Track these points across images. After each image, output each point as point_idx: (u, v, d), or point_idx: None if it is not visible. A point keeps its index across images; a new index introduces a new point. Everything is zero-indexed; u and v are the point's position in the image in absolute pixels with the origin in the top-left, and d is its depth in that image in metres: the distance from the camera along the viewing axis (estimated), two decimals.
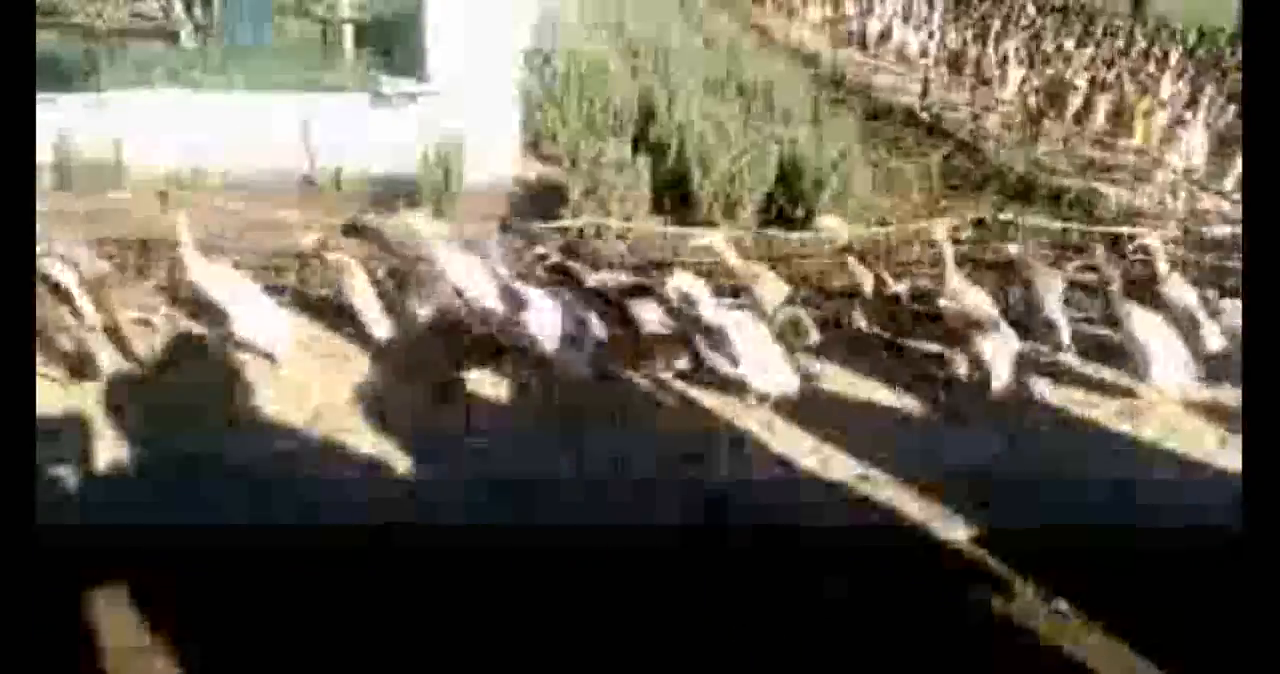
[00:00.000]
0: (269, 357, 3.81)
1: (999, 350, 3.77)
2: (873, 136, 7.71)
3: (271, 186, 5.70)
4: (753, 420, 3.65)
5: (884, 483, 3.31)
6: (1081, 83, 8.50)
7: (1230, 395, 3.81)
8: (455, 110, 6.04)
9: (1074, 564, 2.92)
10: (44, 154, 5.42)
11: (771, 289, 4.15)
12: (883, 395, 3.89)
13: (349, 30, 7.37)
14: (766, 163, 5.80)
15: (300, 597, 2.69)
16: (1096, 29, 13.40)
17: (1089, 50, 11.00)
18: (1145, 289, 4.17)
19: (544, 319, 3.68)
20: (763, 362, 3.65)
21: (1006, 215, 5.73)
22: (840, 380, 3.97)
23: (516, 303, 3.70)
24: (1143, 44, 11.57)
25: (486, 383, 3.82)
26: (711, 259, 4.37)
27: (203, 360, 3.89)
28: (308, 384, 3.74)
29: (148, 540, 2.83)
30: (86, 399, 3.53)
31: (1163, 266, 4.26)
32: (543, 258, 4.19)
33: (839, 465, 3.41)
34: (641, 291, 3.87)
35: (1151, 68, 9.87)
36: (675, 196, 5.85)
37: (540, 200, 5.82)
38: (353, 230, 4.47)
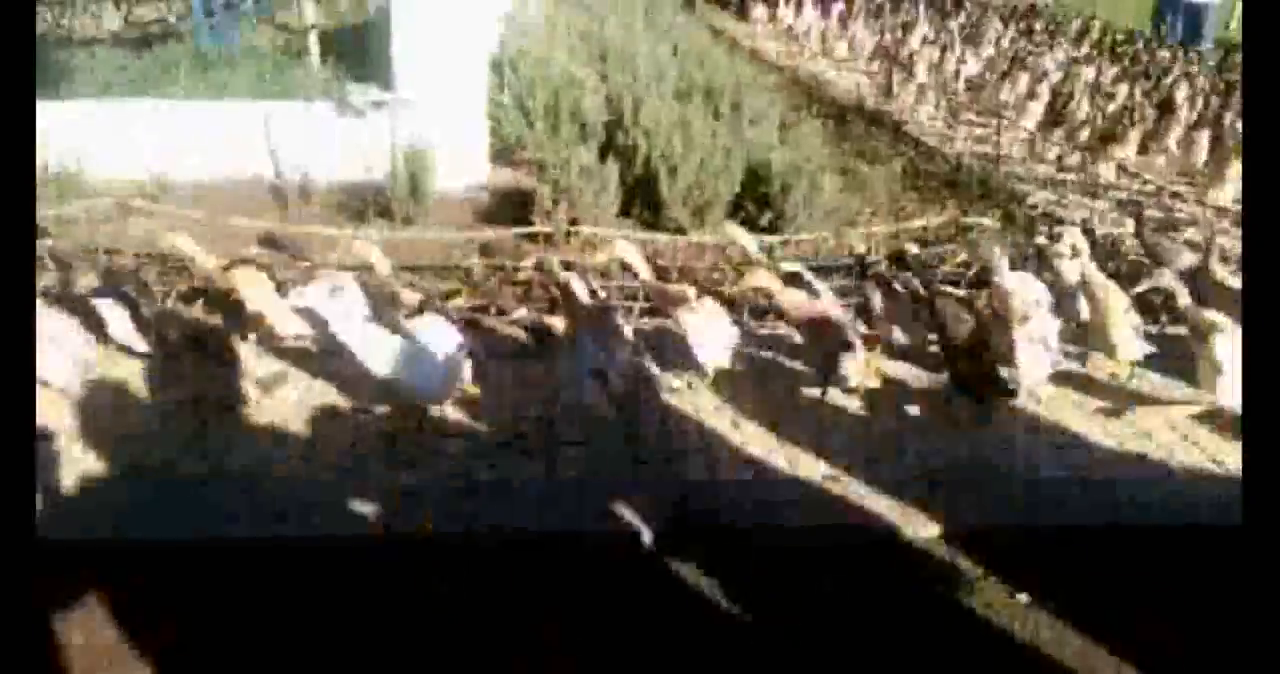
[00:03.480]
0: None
1: None
2: (840, 141, 7.81)
3: (239, 195, 5.68)
4: (721, 420, 3.68)
5: (852, 482, 3.34)
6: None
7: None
8: (424, 118, 6.05)
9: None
10: None
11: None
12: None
13: (314, 38, 7.36)
14: (733, 167, 5.87)
15: (298, 601, 2.70)
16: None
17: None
18: None
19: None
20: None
21: (971, 219, 5.82)
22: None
23: None
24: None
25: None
26: None
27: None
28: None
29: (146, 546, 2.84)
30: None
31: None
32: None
33: (807, 465, 3.45)
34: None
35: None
36: (644, 201, 5.90)
37: (511, 207, 5.84)
38: (269, 242, 4.18)
